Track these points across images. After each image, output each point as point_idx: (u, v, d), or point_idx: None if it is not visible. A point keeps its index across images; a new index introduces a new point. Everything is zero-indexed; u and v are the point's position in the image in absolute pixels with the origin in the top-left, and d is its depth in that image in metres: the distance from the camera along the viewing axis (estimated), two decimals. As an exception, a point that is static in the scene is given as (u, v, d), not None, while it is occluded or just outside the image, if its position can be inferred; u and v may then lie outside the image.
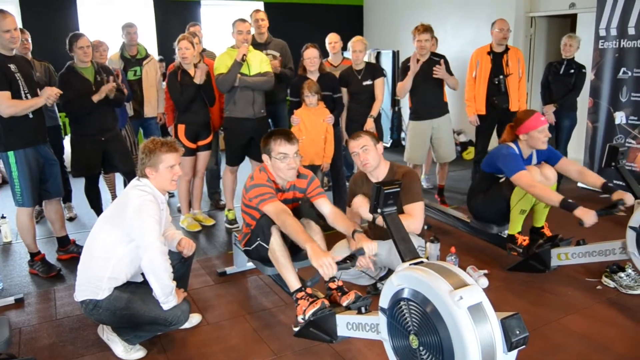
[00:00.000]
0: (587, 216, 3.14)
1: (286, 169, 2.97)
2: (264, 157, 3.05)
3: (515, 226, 3.63)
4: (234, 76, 4.30)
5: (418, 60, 4.69)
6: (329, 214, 3.06)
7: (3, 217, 4.50)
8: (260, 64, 4.47)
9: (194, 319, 3.06)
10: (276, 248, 2.82)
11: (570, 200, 3.23)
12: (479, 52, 5.17)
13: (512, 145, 3.64)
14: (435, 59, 4.75)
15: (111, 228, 2.67)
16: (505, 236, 3.82)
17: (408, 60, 4.78)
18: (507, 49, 5.07)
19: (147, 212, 2.59)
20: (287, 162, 2.96)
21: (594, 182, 3.52)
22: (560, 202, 3.23)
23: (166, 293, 2.60)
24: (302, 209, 3.10)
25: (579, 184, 5.77)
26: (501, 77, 5.00)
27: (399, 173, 3.27)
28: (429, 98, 4.82)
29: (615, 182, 5.36)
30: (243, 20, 4.45)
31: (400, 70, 4.93)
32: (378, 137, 3.12)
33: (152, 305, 2.63)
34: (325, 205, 3.10)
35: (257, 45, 4.95)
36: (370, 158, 3.19)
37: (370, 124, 4.67)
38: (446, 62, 4.80)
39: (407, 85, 4.78)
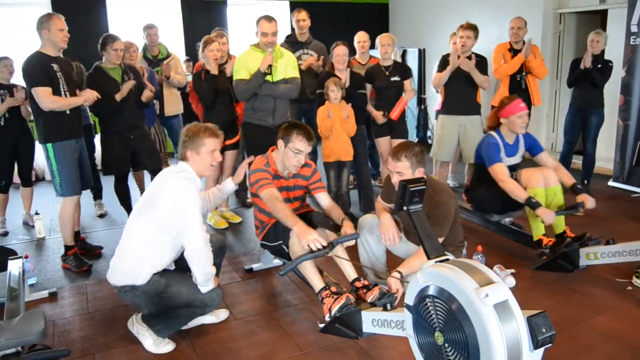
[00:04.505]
0: (546, 215, 3.35)
1: (294, 163, 3.13)
2: (280, 142, 3.14)
3: (536, 230, 3.60)
4: (255, 87, 4.06)
5: (459, 57, 4.65)
6: (325, 206, 3.28)
7: (37, 214, 4.64)
8: (286, 68, 4.18)
9: (222, 314, 3.11)
10: (297, 250, 2.85)
11: (533, 200, 3.40)
12: (501, 47, 5.23)
13: (495, 134, 3.79)
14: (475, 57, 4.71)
15: (151, 214, 2.69)
16: (506, 224, 3.99)
17: (448, 54, 4.79)
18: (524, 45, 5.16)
19: (189, 201, 2.66)
20: (298, 158, 3.11)
21: (565, 180, 3.64)
22: (525, 199, 3.43)
23: (207, 278, 2.72)
24: (316, 218, 3.13)
25: (609, 183, 5.69)
26: (523, 74, 5.08)
27: (433, 200, 2.89)
28: (460, 94, 4.80)
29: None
30: (269, 20, 3.99)
31: (440, 62, 4.94)
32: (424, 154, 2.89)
33: (189, 287, 2.73)
34: (323, 198, 3.31)
35: (297, 43, 5.03)
36: None
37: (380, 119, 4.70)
38: (483, 62, 4.77)
39: (444, 78, 4.75)
